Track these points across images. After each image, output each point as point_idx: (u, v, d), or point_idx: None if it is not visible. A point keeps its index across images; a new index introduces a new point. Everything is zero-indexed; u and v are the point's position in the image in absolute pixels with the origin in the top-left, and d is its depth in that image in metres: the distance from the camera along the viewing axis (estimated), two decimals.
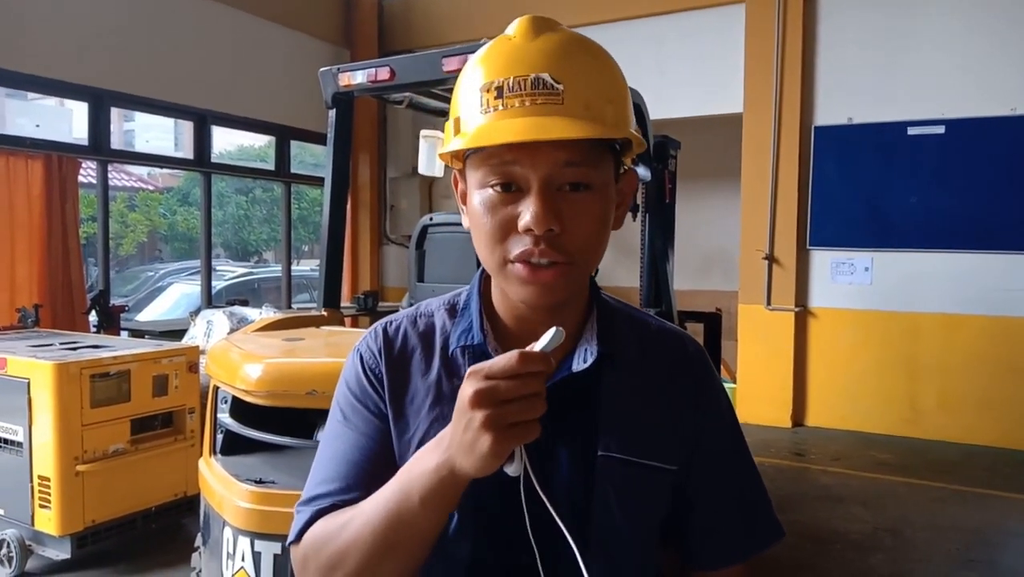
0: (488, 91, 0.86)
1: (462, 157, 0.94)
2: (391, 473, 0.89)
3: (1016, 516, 4.51)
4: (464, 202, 0.95)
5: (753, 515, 1.06)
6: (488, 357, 0.93)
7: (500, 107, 0.85)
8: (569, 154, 0.85)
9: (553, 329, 0.78)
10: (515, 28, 0.90)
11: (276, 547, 2.11)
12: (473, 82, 0.89)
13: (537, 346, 0.77)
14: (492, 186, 0.87)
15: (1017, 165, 5.79)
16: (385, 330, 1.04)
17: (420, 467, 0.83)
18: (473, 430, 0.75)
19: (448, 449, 0.79)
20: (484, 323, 0.98)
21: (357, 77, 3.09)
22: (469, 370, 0.76)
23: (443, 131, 0.95)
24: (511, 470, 0.81)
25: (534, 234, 0.85)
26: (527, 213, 0.85)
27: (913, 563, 3.82)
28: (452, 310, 1.03)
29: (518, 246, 0.87)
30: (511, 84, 0.85)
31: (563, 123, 0.83)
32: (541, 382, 0.75)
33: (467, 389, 0.75)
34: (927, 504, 4.69)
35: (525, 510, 0.86)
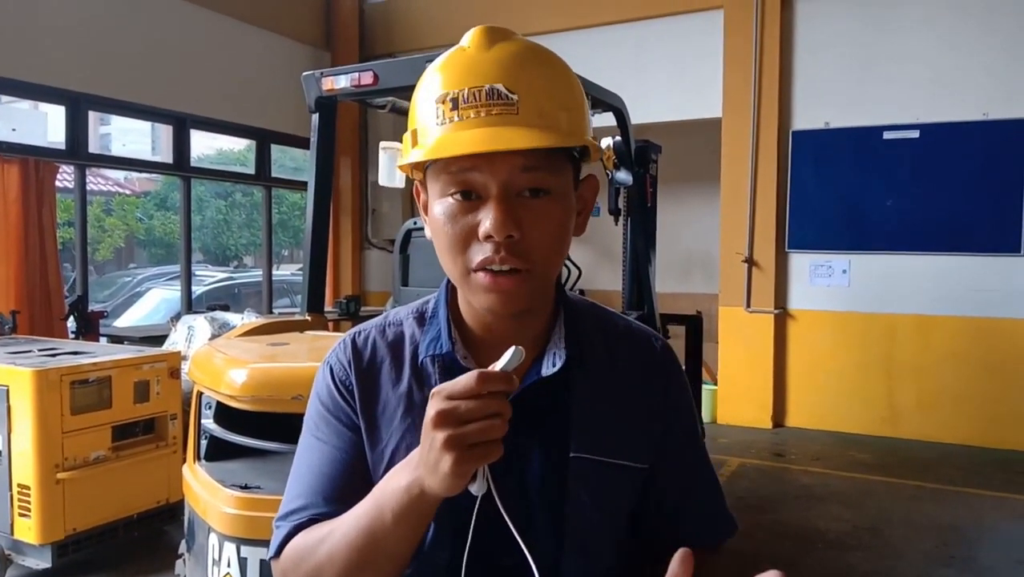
0: (444, 103, 0.87)
1: (422, 168, 0.94)
2: (366, 484, 0.90)
3: (992, 513, 4.59)
4: (426, 212, 0.95)
5: (714, 508, 1.10)
6: (457, 365, 0.95)
7: (456, 118, 0.86)
8: (526, 160, 0.86)
9: (513, 348, 0.78)
10: (469, 39, 0.90)
11: (262, 552, 2.09)
12: (429, 94, 0.89)
13: (497, 365, 0.77)
14: (452, 195, 0.88)
15: (989, 168, 5.90)
16: (354, 341, 1.04)
17: (393, 485, 0.84)
18: (435, 450, 0.76)
19: (417, 468, 0.80)
20: (452, 332, 0.98)
21: (340, 81, 3.09)
22: (432, 391, 0.77)
23: (402, 142, 0.96)
24: (475, 489, 0.81)
25: (494, 241, 0.86)
26: (487, 220, 0.85)
27: (892, 560, 3.87)
28: (420, 319, 1.03)
29: (479, 254, 0.87)
30: (466, 95, 0.86)
31: (519, 133, 0.84)
32: (502, 402, 0.76)
33: (430, 410, 0.76)
34: (905, 502, 4.75)
35: (492, 526, 0.87)
